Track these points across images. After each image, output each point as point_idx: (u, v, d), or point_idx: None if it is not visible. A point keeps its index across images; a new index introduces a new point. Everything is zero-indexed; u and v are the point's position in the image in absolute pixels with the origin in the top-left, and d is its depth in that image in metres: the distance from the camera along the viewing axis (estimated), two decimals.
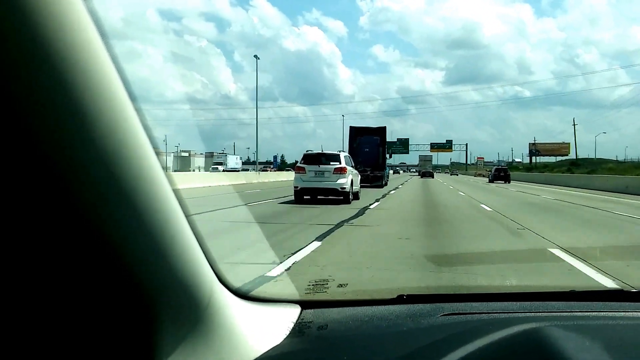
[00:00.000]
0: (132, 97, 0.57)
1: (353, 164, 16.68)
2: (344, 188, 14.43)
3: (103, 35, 0.53)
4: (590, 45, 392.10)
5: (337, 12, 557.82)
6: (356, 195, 16.63)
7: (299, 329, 1.03)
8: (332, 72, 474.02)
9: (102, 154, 0.52)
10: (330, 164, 14.62)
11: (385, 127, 31.06)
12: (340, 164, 14.65)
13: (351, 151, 29.50)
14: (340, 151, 15.45)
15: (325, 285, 2.20)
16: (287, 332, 1.00)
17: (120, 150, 0.54)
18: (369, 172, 27.57)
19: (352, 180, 15.00)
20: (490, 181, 44.81)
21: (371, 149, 29.49)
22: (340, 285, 3.18)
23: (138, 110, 0.58)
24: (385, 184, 29.91)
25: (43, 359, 0.57)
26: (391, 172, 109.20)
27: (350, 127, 30.96)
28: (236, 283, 0.95)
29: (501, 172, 45.36)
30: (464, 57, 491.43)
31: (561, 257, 5.99)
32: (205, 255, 0.78)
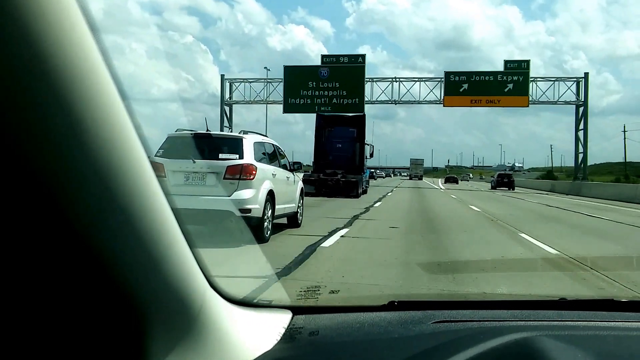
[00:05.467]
0: (124, 97, 0.55)
1: (282, 157, 8.78)
2: (247, 210, 6.67)
3: (94, 31, 0.51)
4: None
5: (323, 12, 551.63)
6: (293, 220, 8.95)
7: (290, 334, 1.01)
8: None
9: (94, 159, 0.51)
10: (218, 159, 6.87)
11: (364, 116, 22.44)
12: (241, 157, 6.91)
13: (319, 147, 21.62)
14: (245, 132, 7.63)
15: (317, 292, 1.92)
16: (278, 338, 0.98)
17: (113, 156, 0.53)
18: (339, 177, 19.56)
19: (270, 192, 7.27)
20: (493, 188, 40.39)
21: (345, 144, 21.36)
22: (332, 292, 2.98)
23: (130, 112, 0.56)
24: (364, 192, 21.84)
25: None
26: (382, 174, 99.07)
27: (318, 115, 22.51)
28: (228, 289, 0.90)
29: (504, 179, 41.21)
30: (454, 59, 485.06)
31: None
32: (197, 261, 0.76)
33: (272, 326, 1.01)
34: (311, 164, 22.95)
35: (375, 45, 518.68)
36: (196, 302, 0.74)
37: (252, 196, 6.80)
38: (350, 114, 23.08)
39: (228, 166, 6.76)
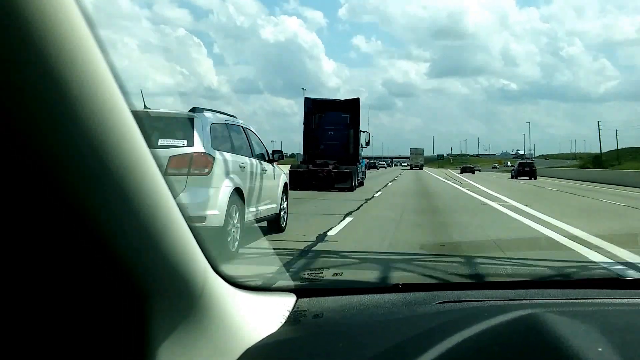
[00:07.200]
0: (123, 90, 0.56)
1: (256, 144, 6.80)
2: (201, 218, 4.71)
3: (91, 26, 0.52)
4: None
5: (315, 2, 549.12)
6: (275, 224, 7.04)
7: (294, 317, 1.03)
8: (316, 65, 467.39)
9: (92, 142, 0.52)
10: (157, 147, 4.86)
11: (358, 100, 20.06)
12: (190, 144, 4.93)
13: (308, 135, 19.50)
14: (200, 110, 5.55)
15: (320, 274, 1.86)
16: (283, 321, 0.99)
17: (111, 139, 0.54)
18: (331, 167, 17.40)
19: (237, 191, 5.32)
20: (513, 177, 38.45)
21: (337, 132, 19.07)
22: (336, 274, 2.39)
23: (128, 101, 0.57)
24: (360, 184, 19.70)
25: (31, 351, 0.58)
26: (384, 164, 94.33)
27: (306, 99, 20.06)
28: (230, 272, 0.90)
29: (526, 167, 39.28)
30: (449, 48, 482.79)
31: None
32: (199, 244, 0.75)
33: (276, 309, 1.01)
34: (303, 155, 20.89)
35: (370, 35, 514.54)
36: (198, 284, 0.74)
37: (207, 198, 4.85)
38: (343, 98, 20.86)
39: (171, 156, 4.79)
